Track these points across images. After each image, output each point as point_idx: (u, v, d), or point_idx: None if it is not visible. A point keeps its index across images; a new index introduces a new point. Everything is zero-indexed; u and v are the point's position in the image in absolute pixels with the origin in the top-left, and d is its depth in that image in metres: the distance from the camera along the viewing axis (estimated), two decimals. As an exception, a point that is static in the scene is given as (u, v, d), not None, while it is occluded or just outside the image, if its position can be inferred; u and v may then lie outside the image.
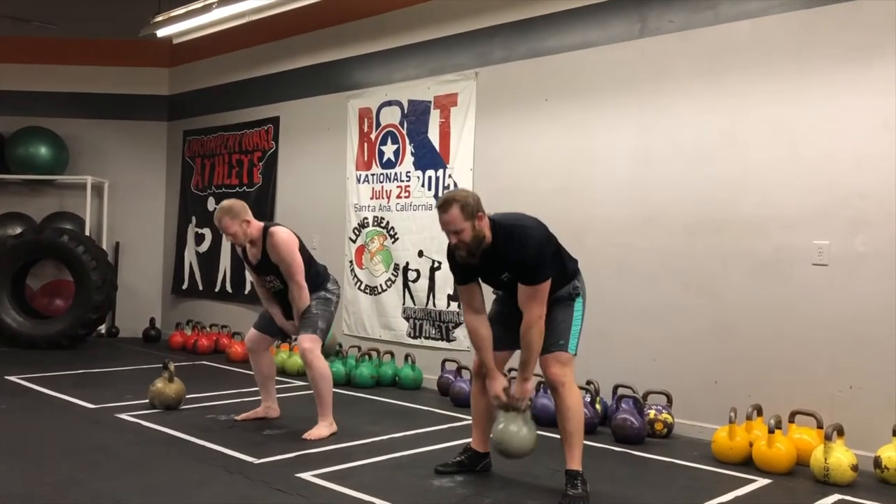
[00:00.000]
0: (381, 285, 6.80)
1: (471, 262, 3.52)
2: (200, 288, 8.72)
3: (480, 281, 3.73)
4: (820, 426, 4.25)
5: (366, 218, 6.96)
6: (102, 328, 8.76)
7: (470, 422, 4.03)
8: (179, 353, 7.89)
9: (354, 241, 7.05)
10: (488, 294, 3.84)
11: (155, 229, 9.29)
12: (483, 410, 3.89)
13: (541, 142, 5.75)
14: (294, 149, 7.71)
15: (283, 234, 4.59)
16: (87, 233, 8.61)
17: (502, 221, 3.56)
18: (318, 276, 4.77)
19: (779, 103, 4.61)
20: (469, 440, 4.00)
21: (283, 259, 4.52)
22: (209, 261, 8.60)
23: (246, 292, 8.10)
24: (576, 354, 3.62)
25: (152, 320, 8.86)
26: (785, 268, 4.56)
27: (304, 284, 4.56)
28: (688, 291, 4.97)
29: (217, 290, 8.48)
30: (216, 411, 4.98)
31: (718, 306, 4.84)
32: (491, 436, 3.65)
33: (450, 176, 6.31)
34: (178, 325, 8.40)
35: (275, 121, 7.91)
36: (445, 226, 3.47)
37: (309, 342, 4.53)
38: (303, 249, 4.70)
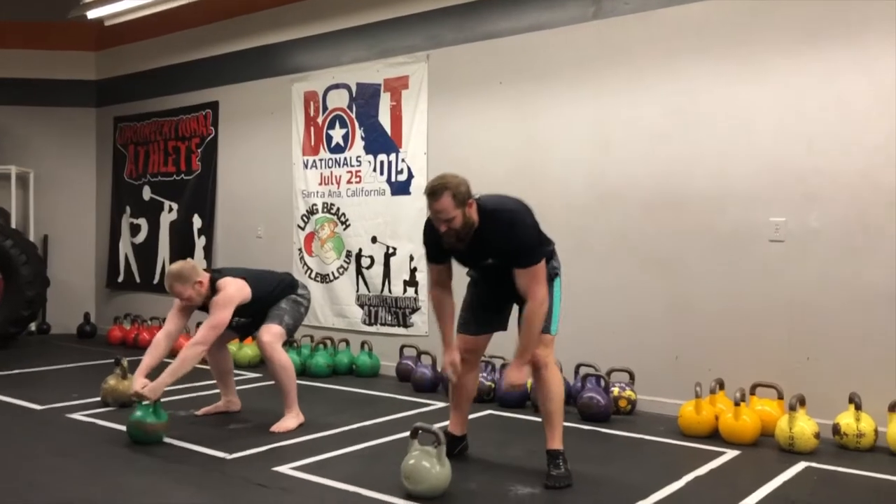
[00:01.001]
0: (332, 273, 6.69)
1: (458, 247, 3.47)
2: (138, 280, 8.41)
3: (453, 262, 3.69)
4: (780, 397, 4.40)
5: (315, 204, 6.82)
6: (33, 326, 8.36)
7: (438, 407, 4.00)
8: (119, 348, 7.60)
9: (303, 229, 6.91)
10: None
11: (86, 220, 8.91)
12: (463, 394, 3.87)
13: (496, 124, 5.74)
14: (235, 134, 7.49)
15: (224, 291, 4.33)
16: (14, 226, 8.19)
17: (486, 205, 3.49)
18: (284, 290, 4.64)
19: (733, 84, 4.71)
20: (445, 423, 3.98)
21: (211, 312, 4.31)
22: (146, 252, 8.30)
23: (187, 283, 7.85)
24: (555, 335, 3.64)
25: (86, 315, 8.52)
26: (742, 245, 4.69)
27: (206, 340, 4.26)
28: (645, 269, 5.06)
29: (156, 282, 8.19)
30: (174, 407, 4.81)
31: (677, 284, 4.94)
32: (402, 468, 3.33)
33: (403, 160, 6.24)
34: (117, 320, 8.09)
35: (213, 106, 7.66)
36: (436, 213, 3.38)
37: (269, 335, 4.41)
38: (259, 280, 4.55)
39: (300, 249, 6.92)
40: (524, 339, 3.45)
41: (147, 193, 8.29)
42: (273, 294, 4.57)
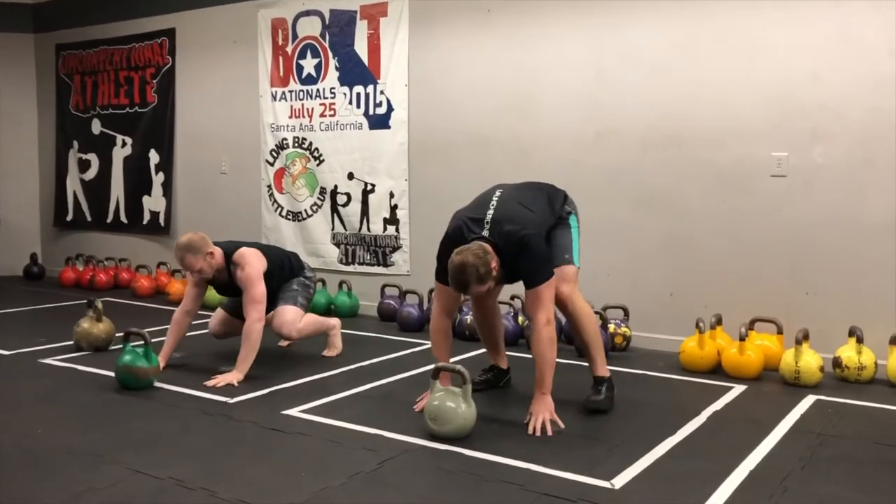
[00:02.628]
0: (305, 210, 6.43)
1: None
2: (89, 219, 7.97)
3: None
4: (780, 332, 4.42)
5: (285, 139, 6.51)
6: (-26, 267, 7.89)
7: (429, 346, 3.97)
8: (72, 290, 7.22)
9: (272, 164, 6.60)
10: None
11: (28, 156, 8.35)
12: (490, 333, 3.86)
13: (484, 55, 5.51)
14: (195, 64, 7.06)
15: (248, 261, 4.18)
16: (-51, 161, 7.64)
17: (501, 226, 3.31)
18: (292, 270, 4.53)
19: (736, 16, 4.59)
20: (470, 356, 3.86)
21: (245, 288, 4.16)
22: (97, 189, 7.85)
23: (144, 222, 7.48)
24: (579, 267, 3.57)
25: (33, 256, 8.05)
26: (743, 180, 4.64)
27: (262, 314, 4.12)
28: (641, 205, 4.98)
29: (109, 220, 7.78)
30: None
31: (674, 220, 4.88)
32: (425, 410, 3.23)
33: (381, 92, 5.96)
34: (69, 261, 7.66)
35: (170, 33, 7.19)
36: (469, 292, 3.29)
37: (292, 314, 4.35)
38: (272, 253, 4.48)
39: (269, 186, 6.62)
40: (539, 370, 3.31)
41: (97, 127, 7.79)
42: (283, 272, 4.43)
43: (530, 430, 3.22)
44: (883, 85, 4.23)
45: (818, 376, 4.05)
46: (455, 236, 3.39)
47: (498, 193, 3.49)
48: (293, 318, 4.34)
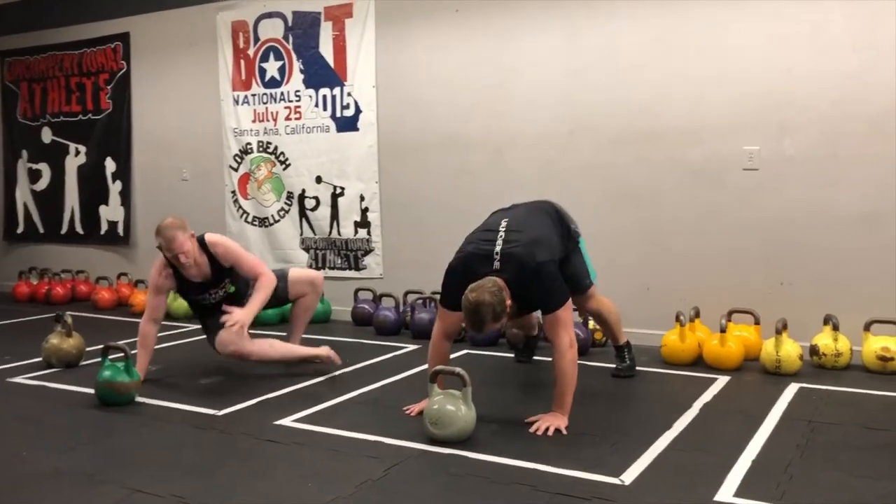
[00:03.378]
0: (272, 216, 6.32)
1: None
2: (41, 231, 7.71)
3: None
4: (757, 322, 4.50)
5: (249, 143, 6.39)
6: (-80, 284, 7.55)
7: (410, 349, 4.37)
8: (28, 304, 6.97)
9: (236, 170, 6.47)
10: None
11: (-27, 167, 8.04)
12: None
13: (453, 55, 5.49)
14: (151, 69, 6.87)
15: (225, 239, 4.32)
16: None
17: (511, 259, 3.29)
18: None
19: (707, 13, 4.66)
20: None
21: (240, 259, 4.21)
22: (50, 200, 7.59)
23: (102, 232, 7.27)
24: (596, 282, 4.00)
25: (-18, 271, 7.76)
26: (716, 174, 4.71)
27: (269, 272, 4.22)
28: (617, 202, 5.02)
29: (64, 231, 7.54)
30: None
31: (649, 215, 4.93)
32: (424, 416, 3.21)
33: (349, 94, 5.90)
34: (21, 274, 7.39)
35: (124, 37, 6.99)
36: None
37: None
38: None
39: (234, 192, 6.49)
40: (560, 390, 3.32)
41: (48, 135, 7.54)
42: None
43: (532, 429, 3.22)
44: (848, 79, 4.34)
45: (798, 364, 4.14)
46: (464, 269, 3.35)
47: (504, 224, 3.45)
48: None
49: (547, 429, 3.21)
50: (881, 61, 4.26)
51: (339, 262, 6.07)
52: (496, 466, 2.87)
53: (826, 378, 4.07)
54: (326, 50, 5.96)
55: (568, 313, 3.35)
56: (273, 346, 4.29)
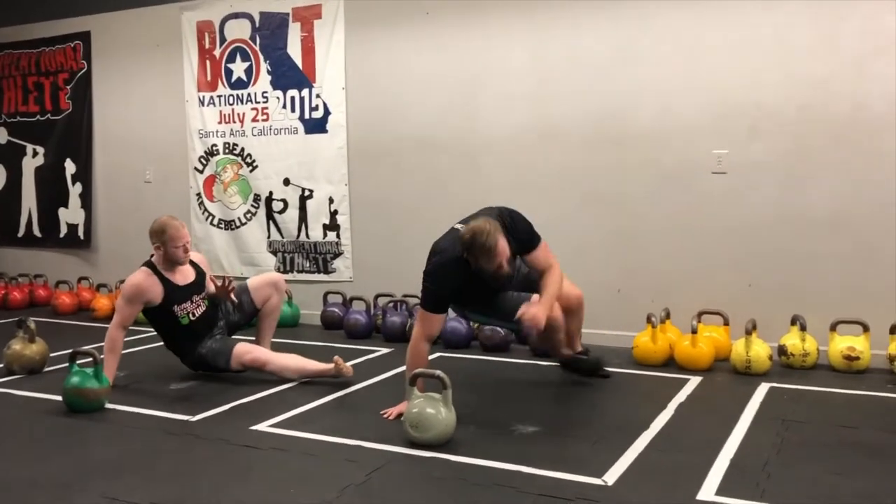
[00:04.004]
0: (238, 218, 6.24)
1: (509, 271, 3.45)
2: (-4, 234, 7.51)
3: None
4: (726, 323, 4.57)
5: (214, 145, 6.30)
6: None
7: (382, 353, 4.46)
8: (-16, 310, 6.77)
9: (201, 172, 6.38)
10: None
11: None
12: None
13: (424, 58, 5.48)
14: (114, 69, 6.75)
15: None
16: None
17: (482, 212, 3.61)
18: None
19: (675, 18, 4.73)
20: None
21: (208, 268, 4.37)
22: (6, 202, 7.40)
23: (61, 235, 7.10)
24: None
25: (-65, 275, 7.50)
26: (685, 177, 4.77)
27: None
28: (587, 206, 5.06)
29: (21, 234, 7.35)
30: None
31: (619, 218, 4.98)
32: (403, 419, 3.20)
33: (318, 96, 5.85)
34: (-24, 279, 7.19)
35: (84, 36, 6.85)
36: (497, 260, 3.32)
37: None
38: None
39: (199, 194, 6.40)
40: (551, 290, 3.52)
41: (3, 136, 7.36)
42: None
43: (518, 314, 3.37)
44: (814, 85, 4.43)
45: (767, 364, 4.21)
46: (442, 265, 3.46)
47: (458, 224, 3.63)
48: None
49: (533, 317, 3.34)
50: (845, 68, 4.36)
51: (308, 265, 6.02)
52: (478, 469, 2.86)
53: (794, 377, 4.14)
54: (295, 51, 5.91)
55: (547, 247, 3.62)
56: (295, 360, 4.22)
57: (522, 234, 3.56)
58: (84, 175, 6.94)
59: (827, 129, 4.42)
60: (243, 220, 6.23)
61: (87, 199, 6.95)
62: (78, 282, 6.81)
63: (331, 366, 4.13)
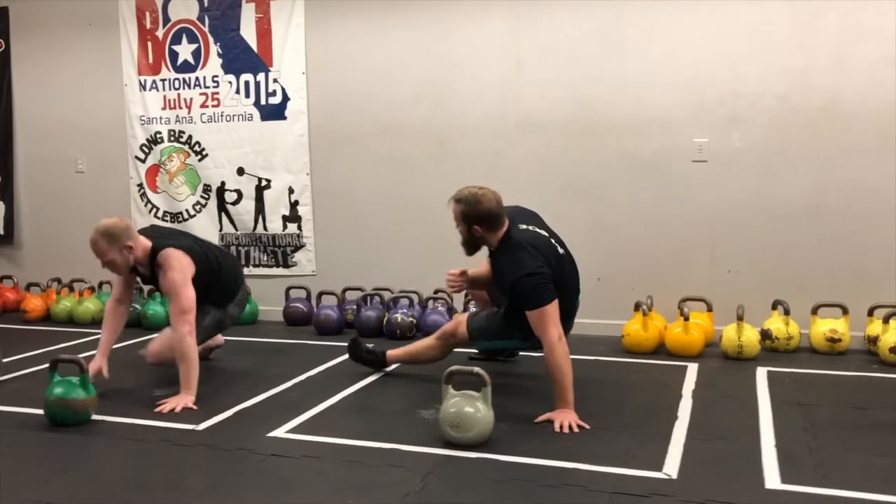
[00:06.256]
0: (186, 210, 5.87)
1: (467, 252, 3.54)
2: None
3: None
4: (710, 310, 4.64)
5: (158, 132, 5.89)
6: None
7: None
8: None
9: (143, 161, 5.96)
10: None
11: None
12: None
13: (391, 41, 5.30)
14: (37, 49, 6.19)
15: (176, 262, 3.66)
16: None
17: (511, 238, 3.45)
18: (227, 293, 4.09)
19: (654, 6, 4.74)
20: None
21: (171, 290, 3.64)
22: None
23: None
24: None
25: None
26: (665, 166, 4.81)
27: (189, 327, 3.56)
28: (566, 195, 5.02)
29: (-73, 231, 6.66)
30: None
31: (599, 207, 4.97)
32: (441, 419, 3.04)
33: (275, 80, 5.56)
34: None
35: (2, 12, 6.25)
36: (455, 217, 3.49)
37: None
38: (206, 264, 3.83)
39: (141, 185, 5.97)
40: (560, 385, 3.25)
41: None
42: (221, 291, 4.00)
43: (556, 428, 3.13)
44: (795, 74, 4.54)
45: (758, 349, 4.31)
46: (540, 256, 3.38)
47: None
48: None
49: (570, 426, 3.13)
50: (822, 60, 4.49)
51: (266, 259, 5.73)
52: (534, 468, 2.76)
53: (782, 361, 4.25)
54: (249, 33, 5.59)
55: (555, 309, 3.28)
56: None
57: (504, 270, 3.39)
58: (4, 165, 6.36)
59: (806, 117, 4.55)
60: (192, 212, 5.86)
61: (7, 191, 6.37)
62: (0, 281, 6.24)
63: None
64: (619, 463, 2.77)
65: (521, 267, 3.30)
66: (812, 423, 3.19)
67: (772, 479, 2.63)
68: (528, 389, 3.80)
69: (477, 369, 3.03)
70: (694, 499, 2.48)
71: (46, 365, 4.26)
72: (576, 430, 3.14)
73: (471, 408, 2.99)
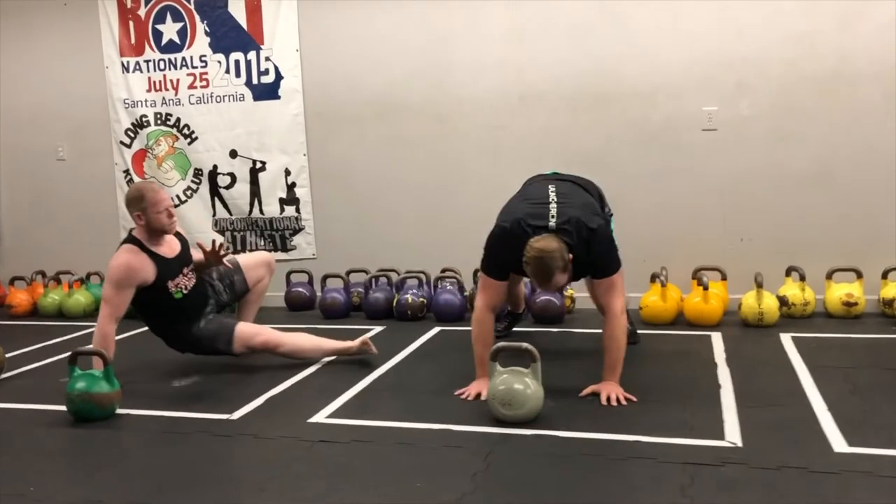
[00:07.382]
0: (177, 196, 5.67)
1: None
2: None
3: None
4: (724, 278, 4.63)
5: (144, 116, 5.67)
6: None
7: (377, 330, 4.24)
8: None
9: (129, 146, 5.73)
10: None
11: None
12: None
13: (389, 16, 5.15)
14: (10, 30, 5.90)
15: None
16: None
17: (568, 218, 3.13)
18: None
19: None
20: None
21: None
22: None
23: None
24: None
25: None
26: (674, 135, 4.77)
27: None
28: (574, 167, 4.83)
29: None
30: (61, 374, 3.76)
31: (608, 178, 4.76)
32: (490, 397, 2.97)
33: (267, 59, 5.38)
34: None
35: (-32, -8, 5.95)
36: (546, 288, 3.21)
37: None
38: None
39: (127, 171, 5.75)
40: (613, 358, 3.17)
41: None
42: None
43: (603, 401, 3.07)
44: (802, 39, 4.52)
45: (777, 315, 4.30)
46: (514, 230, 3.14)
47: (553, 188, 3.29)
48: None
49: (617, 398, 3.08)
50: (830, 23, 4.48)
51: (263, 243, 5.57)
52: (597, 442, 2.70)
53: (801, 326, 4.25)
54: (237, 10, 5.39)
55: (622, 279, 3.23)
56: (308, 339, 3.90)
57: (596, 258, 3.18)
58: (-23, 154, 6.07)
59: (814, 83, 4.53)
60: (183, 198, 5.66)
61: (-18, 182, 6.09)
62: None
63: (353, 343, 3.83)
64: (680, 434, 2.73)
65: (612, 241, 3.29)
66: (856, 386, 3.18)
67: (837, 443, 2.61)
68: (560, 364, 3.72)
69: (526, 345, 2.96)
70: (769, 465, 2.44)
71: (48, 360, 4.16)
72: (623, 402, 3.08)
73: (520, 384, 2.92)
